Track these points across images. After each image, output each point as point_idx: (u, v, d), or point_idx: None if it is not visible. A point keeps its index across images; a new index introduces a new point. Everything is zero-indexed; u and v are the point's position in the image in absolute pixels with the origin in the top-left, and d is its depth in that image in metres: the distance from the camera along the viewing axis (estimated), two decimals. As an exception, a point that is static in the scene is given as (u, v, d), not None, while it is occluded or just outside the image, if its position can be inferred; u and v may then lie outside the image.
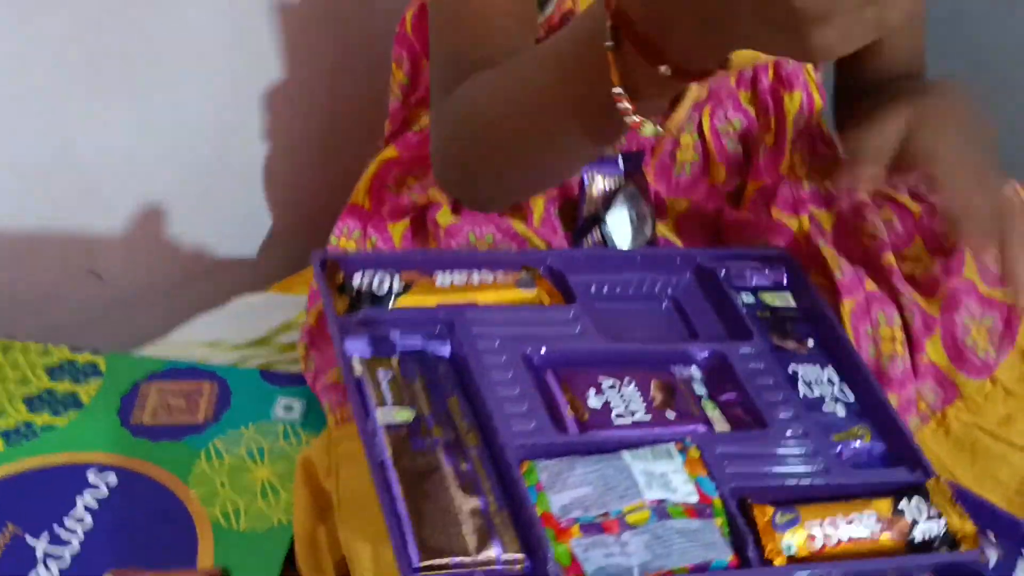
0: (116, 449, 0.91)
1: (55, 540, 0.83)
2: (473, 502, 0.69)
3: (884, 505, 0.75)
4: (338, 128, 1.28)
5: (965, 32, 1.41)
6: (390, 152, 1.07)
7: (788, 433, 0.80)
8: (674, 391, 0.80)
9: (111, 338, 1.08)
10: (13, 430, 0.92)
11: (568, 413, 0.78)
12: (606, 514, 0.69)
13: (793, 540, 0.71)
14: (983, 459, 0.93)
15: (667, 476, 0.72)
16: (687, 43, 0.66)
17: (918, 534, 0.75)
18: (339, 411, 0.91)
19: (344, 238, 1.04)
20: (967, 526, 0.75)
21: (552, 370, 0.81)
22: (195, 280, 1.24)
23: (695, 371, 0.84)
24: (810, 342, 0.90)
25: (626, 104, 0.69)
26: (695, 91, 0.94)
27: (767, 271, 0.95)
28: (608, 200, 0.99)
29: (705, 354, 0.85)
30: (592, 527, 0.69)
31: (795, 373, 0.86)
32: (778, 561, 0.71)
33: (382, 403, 0.74)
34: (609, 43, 0.68)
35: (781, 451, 0.79)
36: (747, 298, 0.92)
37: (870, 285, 0.97)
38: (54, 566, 0.82)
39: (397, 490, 0.69)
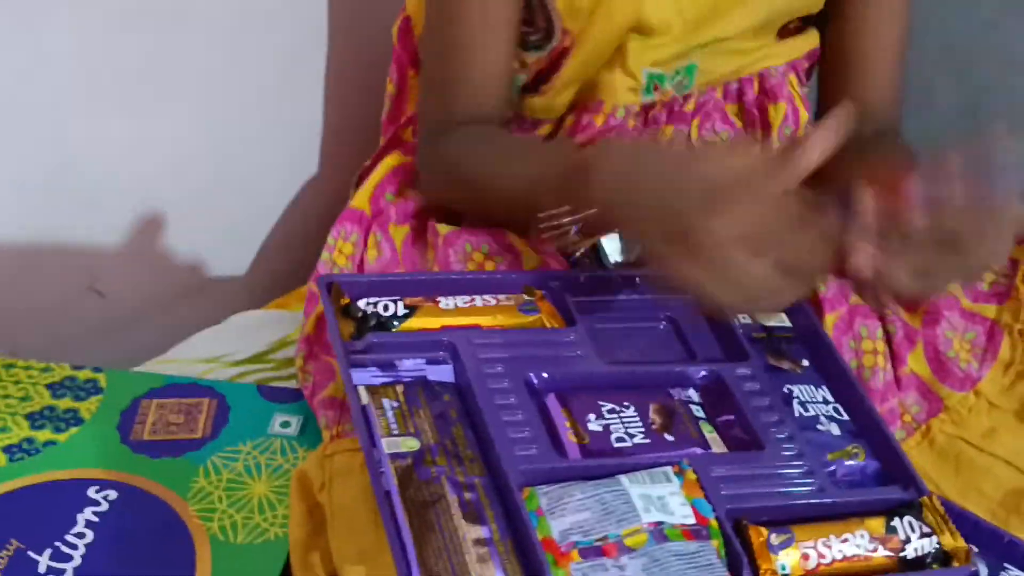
0: (116, 465, 0.92)
1: (57, 555, 0.84)
2: (477, 531, 0.70)
3: (877, 524, 0.76)
4: (335, 145, 1.29)
5: (950, 45, 1.42)
6: (395, 159, 1.08)
7: (783, 454, 0.81)
8: (672, 414, 0.81)
9: (112, 354, 1.09)
10: (16, 446, 0.93)
11: (569, 438, 0.79)
12: (605, 538, 0.70)
13: (787, 560, 0.73)
14: (967, 471, 0.94)
15: (664, 499, 0.73)
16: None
17: (910, 552, 0.76)
18: (335, 427, 0.92)
19: (342, 240, 1.05)
20: (959, 543, 0.76)
21: (554, 394, 0.82)
22: (194, 297, 1.24)
23: (693, 393, 0.85)
24: (805, 362, 0.91)
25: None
26: None
27: None
28: None
29: (702, 375, 0.86)
30: (591, 551, 0.69)
31: (790, 393, 0.87)
32: (773, 581, 0.72)
33: (388, 433, 0.75)
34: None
35: (776, 472, 0.79)
36: (743, 319, 0.93)
37: (854, 299, 0.98)
38: (57, 581, 0.84)
39: (403, 520, 0.70)
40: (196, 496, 0.91)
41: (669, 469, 0.76)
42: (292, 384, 1.04)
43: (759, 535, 0.73)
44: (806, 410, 0.86)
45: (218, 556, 0.86)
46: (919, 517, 0.77)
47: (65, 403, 0.98)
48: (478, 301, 0.86)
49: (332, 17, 1.22)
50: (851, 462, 0.83)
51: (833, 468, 0.82)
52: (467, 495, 0.72)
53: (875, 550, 0.75)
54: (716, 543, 0.72)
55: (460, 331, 0.83)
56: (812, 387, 0.89)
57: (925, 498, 0.79)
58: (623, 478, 0.74)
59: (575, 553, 0.69)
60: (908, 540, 0.76)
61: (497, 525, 0.71)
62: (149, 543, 0.87)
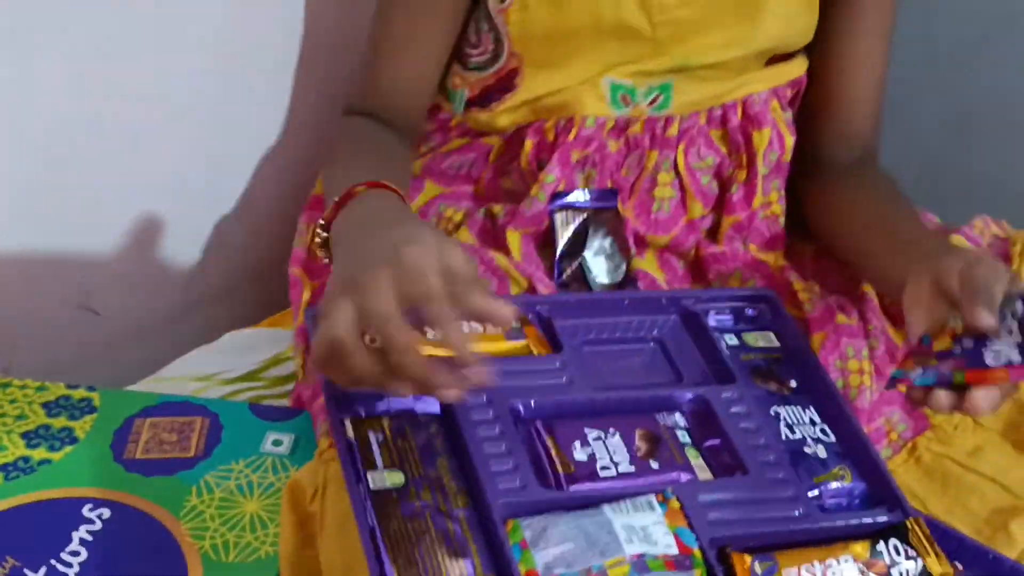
0: (110, 484, 0.93)
1: (52, 573, 0.85)
2: (461, 567, 0.71)
3: (862, 548, 0.77)
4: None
5: (938, 61, 1.43)
6: None
7: (768, 478, 0.81)
8: (658, 440, 0.82)
9: (106, 373, 1.10)
10: (11, 464, 0.94)
11: (555, 468, 0.79)
12: (588, 570, 0.71)
13: None
14: (954, 489, 0.95)
15: (648, 529, 0.74)
16: None
17: (896, 575, 0.76)
18: (331, 437, 0.93)
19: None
20: (945, 567, 0.77)
21: (540, 420, 0.82)
22: (188, 315, 1.25)
23: (679, 418, 0.85)
24: (792, 383, 0.91)
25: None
26: None
27: (750, 311, 0.97)
28: (582, 236, 1.01)
29: (688, 398, 0.87)
30: None
31: (777, 415, 0.88)
32: (757, 610, 0.73)
33: (373, 467, 0.75)
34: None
35: (761, 497, 0.80)
36: (731, 340, 0.94)
37: (841, 318, 0.99)
38: (52, 599, 0.84)
39: (386, 557, 0.70)
40: (189, 514, 0.91)
41: (652, 497, 0.76)
42: (285, 402, 1.05)
43: (743, 563, 0.74)
44: (793, 432, 0.87)
45: (210, 574, 0.87)
46: (905, 540, 0.78)
47: (60, 422, 0.99)
48: (464, 328, 0.87)
49: (328, 37, 1.23)
50: (837, 484, 0.84)
51: (819, 491, 0.83)
52: (451, 529, 0.72)
53: (860, 575, 0.75)
54: (699, 573, 0.73)
55: (446, 361, 0.83)
56: (799, 408, 0.89)
57: (911, 520, 0.79)
58: (606, 508, 0.75)
59: (558, 585, 0.70)
60: (894, 564, 0.76)
61: (481, 559, 0.71)
62: (142, 561, 0.87)
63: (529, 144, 1.03)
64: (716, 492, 0.79)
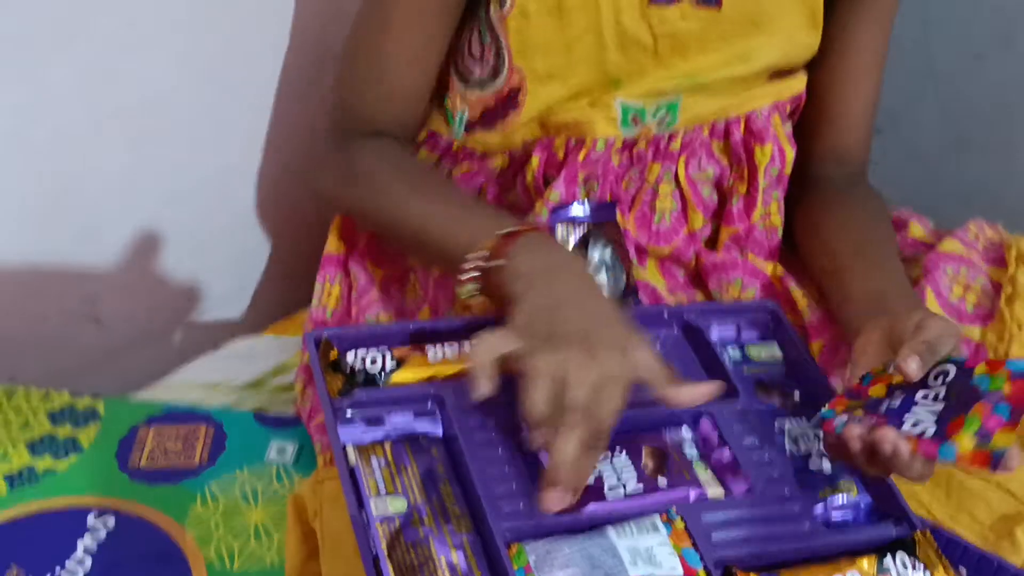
0: (114, 492, 0.93)
1: (57, 583, 0.86)
2: None
3: (869, 563, 0.76)
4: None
5: (937, 77, 1.44)
6: None
7: (773, 495, 0.81)
8: (665, 457, 0.81)
9: (110, 381, 1.10)
10: (16, 474, 0.94)
11: None
12: None
13: None
14: (958, 495, 0.94)
15: (652, 551, 0.73)
16: None
17: None
18: (329, 453, 0.93)
19: (328, 283, 1.06)
20: None
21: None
22: (192, 323, 1.25)
23: (685, 432, 0.85)
24: (796, 395, 0.91)
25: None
26: None
27: (753, 324, 0.97)
28: (583, 249, 1.01)
29: (692, 414, 0.86)
30: None
31: (782, 429, 0.87)
32: (762, 630, 0.73)
33: (376, 493, 0.75)
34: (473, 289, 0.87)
35: (766, 514, 0.80)
36: (734, 353, 0.93)
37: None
38: (58, 609, 0.85)
39: None
40: (193, 523, 0.92)
41: (657, 518, 0.76)
42: (289, 410, 1.05)
43: None
44: (797, 446, 0.86)
45: (215, 582, 0.87)
46: (912, 553, 0.77)
47: (64, 431, 0.99)
48: (467, 348, 0.86)
49: (330, 50, 1.23)
50: (843, 498, 0.83)
51: (824, 506, 0.82)
52: (455, 556, 0.72)
53: None
54: None
55: (447, 383, 0.83)
56: (803, 421, 0.89)
57: (919, 533, 0.79)
58: (610, 530, 0.74)
59: (564, 611, 0.69)
60: None
61: None
62: (147, 570, 0.88)
63: (536, 161, 1.03)
64: (720, 511, 0.79)
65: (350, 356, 0.84)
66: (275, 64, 1.20)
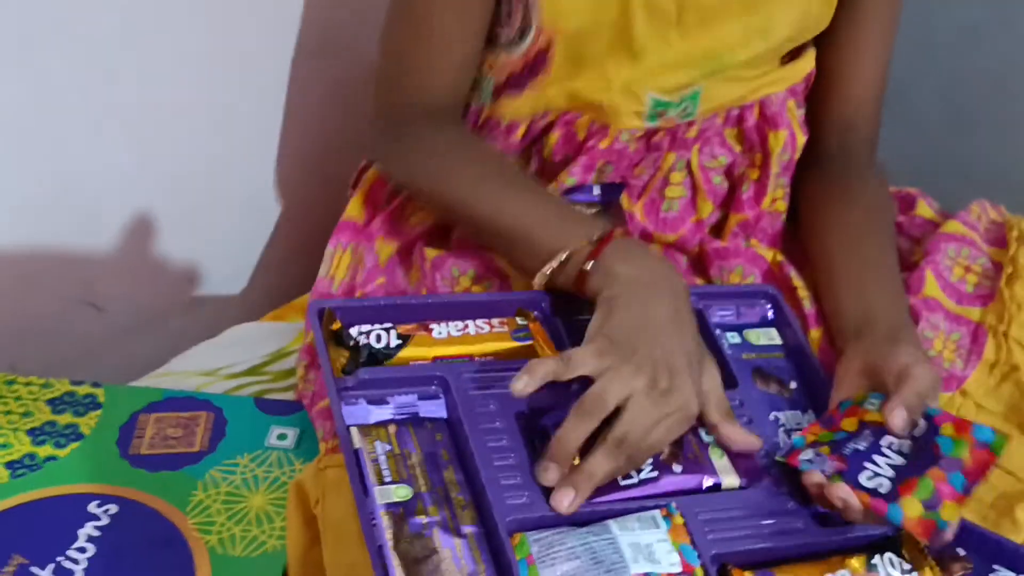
0: (116, 480, 0.93)
1: (59, 570, 0.85)
2: None
3: (858, 562, 0.78)
4: (332, 159, 1.30)
5: (942, 60, 1.43)
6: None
7: (769, 491, 0.82)
8: (681, 440, 0.82)
9: (110, 369, 1.10)
10: (18, 462, 0.94)
11: None
12: None
13: None
14: (959, 475, 0.96)
15: (652, 547, 0.74)
16: None
17: None
18: (331, 440, 0.93)
19: (340, 251, 1.05)
20: None
21: (552, 427, 0.82)
22: (191, 310, 1.25)
23: None
24: (792, 384, 0.92)
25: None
26: None
27: (753, 308, 0.97)
28: None
29: None
30: None
31: (777, 420, 0.88)
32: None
33: (380, 481, 0.75)
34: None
35: (761, 511, 0.81)
36: (733, 338, 0.94)
37: None
38: (59, 595, 0.85)
39: (394, 574, 0.70)
40: (195, 509, 0.92)
41: (657, 513, 0.77)
42: (289, 396, 1.05)
43: None
44: (789, 438, 0.87)
45: (217, 569, 0.87)
46: (899, 553, 0.79)
47: (65, 418, 0.99)
48: (471, 328, 0.86)
49: (327, 33, 1.23)
50: None
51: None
52: (458, 546, 0.72)
53: None
54: None
55: (452, 364, 0.83)
56: (799, 412, 0.89)
57: (905, 533, 0.79)
58: (613, 525, 0.75)
59: (565, 604, 0.70)
60: None
61: None
62: (149, 556, 0.88)
63: (556, 136, 1.02)
64: (718, 508, 0.79)
65: (353, 330, 0.83)
66: (276, 50, 1.20)
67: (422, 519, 0.73)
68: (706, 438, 0.83)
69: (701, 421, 0.84)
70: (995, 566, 0.83)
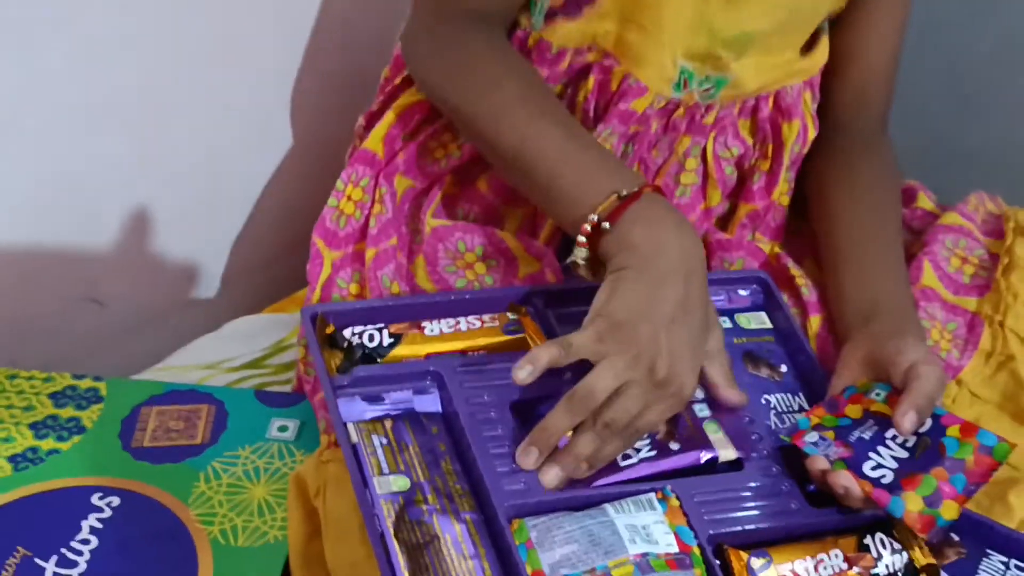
0: (118, 472, 0.94)
1: (63, 561, 0.86)
2: (470, 570, 0.71)
3: (850, 543, 0.79)
4: (330, 154, 1.30)
5: (939, 43, 1.43)
6: (407, 98, 1.04)
7: (762, 472, 0.83)
8: (676, 418, 0.83)
9: (112, 363, 1.11)
10: (20, 455, 0.95)
11: None
12: (593, 570, 0.72)
13: None
14: (951, 462, 0.96)
15: (649, 528, 0.75)
16: None
17: (882, 569, 0.78)
18: (333, 432, 0.94)
19: (352, 185, 1.01)
20: (928, 559, 0.79)
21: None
22: (192, 304, 1.25)
23: (697, 392, 0.86)
24: (783, 367, 0.92)
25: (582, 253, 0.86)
26: None
27: (744, 292, 0.97)
28: None
29: None
30: None
31: (768, 403, 0.89)
32: (755, 605, 0.75)
33: (379, 472, 0.76)
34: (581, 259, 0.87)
35: (756, 492, 0.81)
36: (724, 323, 0.94)
37: None
38: (63, 587, 0.86)
39: (398, 565, 0.71)
40: (197, 501, 0.93)
41: (653, 496, 0.78)
42: (289, 388, 1.06)
43: (739, 559, 0.76)
44: (782, 422, 0.88)
45: (219, 559, 0.88)
46: (890, 534, 0.80)
47: (67, 412, 1.00)
48: (463, 324, 0.87)
49: (323, 28, 1.24)
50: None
51: (811, 485, 0.84)
52: (459, 532, 0.73)
53: (849, 568, 0.78)
54: (699, 571, 0.74)
55: (446, 359, 0.84)
56: (789, 395, 0.90)
57: None
58: (609, 508, 0.76)
59: (564, 586, 0.71)
60: (880, 557, 0.78)
61: (489, 562, 0.72)
62: (152, 548, 0.89)
63: (592, 81, 1.00)
64: (713, 490, 0.81)
65: (347, 332, 0.84)
66: (275, 45, 1.20)
67: (422, 507, 0.74)
68: (700, 413, 0.84)
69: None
70: (988, 550, 0.85)
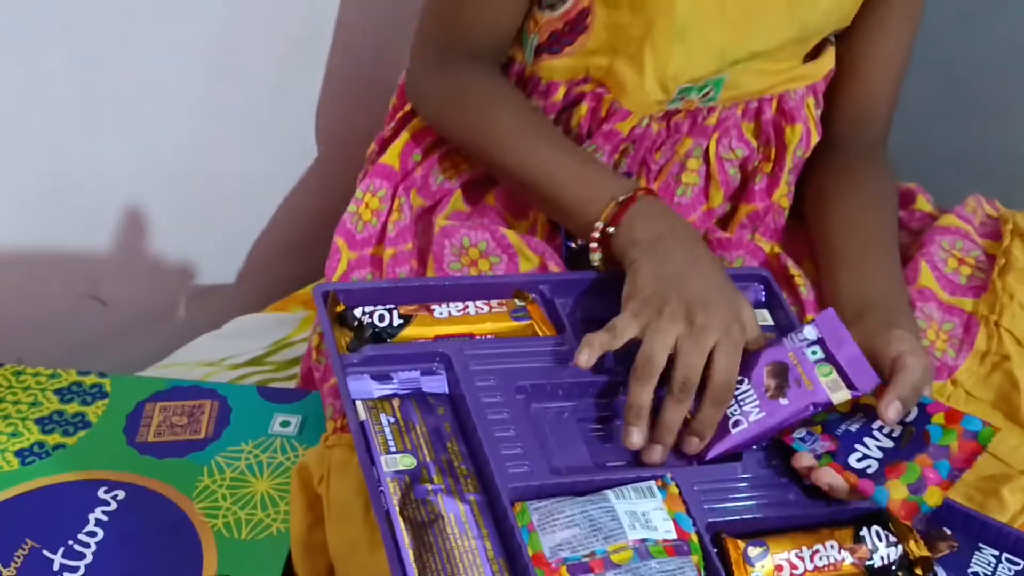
0: (123, 466, 0.95)
1: (70, 553, 0.87)
2: (474, 550, 0.72)
3: (846, 534, 0.80)
4: (330, 152, 1.30)
5: (939, 45, 1.44)
6: (422, 121, 1.09)
7: (760, 463, 0.83)
8: (787, 371, 0.84)
9: (116, 360, 1.12)
10: (27, 449, 0.96)
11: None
12: (592, 554, 0.73)
13: (763, 572, 0.76)
14: (945, 456, 0.97)
15: (648, 515, 0.76)
16: None
17: (877, 560, 0.79)
18: (340, 419, 0.95)
19: (370, 194, 1.05)
20: (923, 551, 0.80)
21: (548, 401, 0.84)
22: (195, 302, 1.26)
23: (808, 331, 0.86)
24: None
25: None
26: None
27: (746, 291, 0.98)
28: None
29: None
30: (579, 567, 0.72)
31: None
32: (750, 593, 0.76)
33: (386, 450, 0.77)
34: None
35: (753, 483, 0.82)
36: None
37: None
38: (71, 578, 0.87)
39: (403, 541, 0.72)
40: (201, 495, 0.94)
41: (653, 483, 0.79)
42: (292, 385, 1.07)
43: (736, 548, 0.77)
44: None
45: (223, 552, 0.89)
46: (885, 526, 0.81)
47: (73, 408, 1.01)
48: (471, 309, 0.88)
49: (325, 29, 1.24)
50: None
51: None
52: (463, 512, 0.74)
53: (844, 560, 0.78)
54: (696, 558, 0.75)
55: (453, 341, 0.85)
56: None
57: None
58: (610, 494, 0.77)
59: (564, 569, 0.72)
60: (875, 549, 0.79)
61: (491, 542, 0.73)
62: (157, 540, 0.90)
63: (584, 108, 1.03)
64: (711, 479, 0.81)
65: (357, 311, 0.85)
66: (276, 44, 1.21)
67: (427, 486, 0.75)
68: (812, 356, 0.84)
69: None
70: (980, 544, 0.85)
